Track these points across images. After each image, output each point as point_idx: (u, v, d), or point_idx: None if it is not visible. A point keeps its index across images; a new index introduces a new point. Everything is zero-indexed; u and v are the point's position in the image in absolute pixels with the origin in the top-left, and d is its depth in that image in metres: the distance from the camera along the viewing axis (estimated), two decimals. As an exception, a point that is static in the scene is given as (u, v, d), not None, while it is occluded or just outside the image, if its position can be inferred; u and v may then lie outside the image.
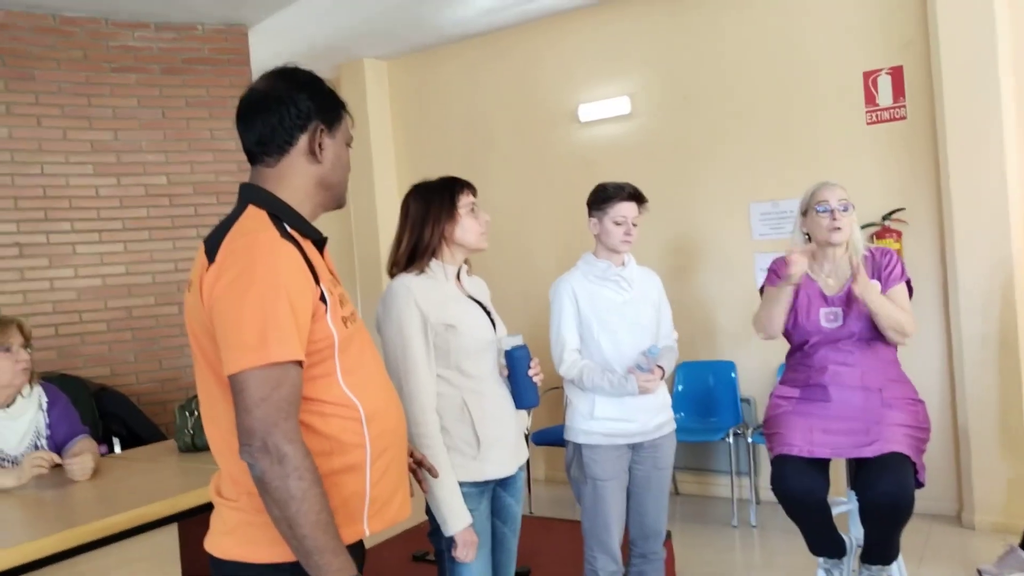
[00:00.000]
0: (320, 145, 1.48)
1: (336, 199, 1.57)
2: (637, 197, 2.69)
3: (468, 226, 2.15)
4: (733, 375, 4.62)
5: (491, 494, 2.17)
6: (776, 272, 2.85)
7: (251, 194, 1.47)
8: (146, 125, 4.52)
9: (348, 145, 1.57)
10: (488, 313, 2.21)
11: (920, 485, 2.57)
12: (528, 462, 4.64)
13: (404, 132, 5.86)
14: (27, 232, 4.20)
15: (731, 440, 4.31)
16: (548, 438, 4.49)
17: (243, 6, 4.46)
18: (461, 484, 2.04)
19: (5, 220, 4.13)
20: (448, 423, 2.07)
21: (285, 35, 4.94)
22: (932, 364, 4.06)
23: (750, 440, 4.36)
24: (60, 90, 4.31)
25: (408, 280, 2.08)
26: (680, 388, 4.72)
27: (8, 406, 2.61)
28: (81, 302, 4.33)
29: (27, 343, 2.65)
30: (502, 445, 2.13)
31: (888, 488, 2.44)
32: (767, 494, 4.57)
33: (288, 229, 1.43)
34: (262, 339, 1.28)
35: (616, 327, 2.67)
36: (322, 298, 1.39)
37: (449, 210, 2.14)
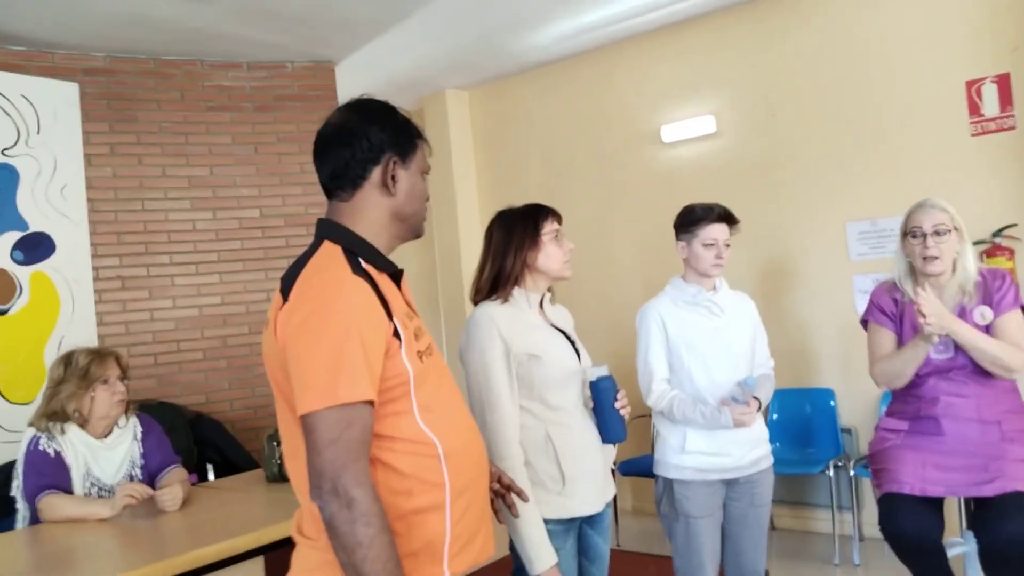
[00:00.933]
0: (394, 177, 1.47)
1: (413, 229, 1.54)
2: (728, 218, 2.59)
3: (551, 253, 2.10)
4: (832, 403, 4.38)
5: (577, 532, 2.09)
6: (879, 306, 2.68)
7: (326, 229, 1.47)
8: (240, 161, 4.68)
9: (425, 174, 1.54)
10: (572, 342, 2.14)
11: (1047, 526, 2.35)
12: (615, 496, 4.56)
13: (486, 160, 5.89)
14: (129, 266, 4.38)
15: (831, 473, 4.08)
16: (635, 468, 4.36)
17: (330, 44, 4.58)
18: (546, 521, 1.96)
19: (109, 255, 4.32)
20: (532, 457, 2.01)
21: (371, 69, 5.04)
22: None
23: (852, 473, 4.12)
24: (160, 129, 4.50)
25: (491, 309, 2.04)
26: (775, 417, 4.51)
27: (105, 436, 2.70)
28: (179, 332, 4.49)
29: (124, 375, 2.73)
30: (588, 481, 2.05)
31: (1014, 532, 2.24)
32: (871, 530, 4.31)
33: (362, 264, 1.41)
34: (332, 380, 1.26)
35: (708, 355, 2.55)
36: (396, 334, 1.36)
37: (533, 237, 2.09)
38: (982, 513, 2.39)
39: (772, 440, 4.38)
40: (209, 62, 4.63)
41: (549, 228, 2.12)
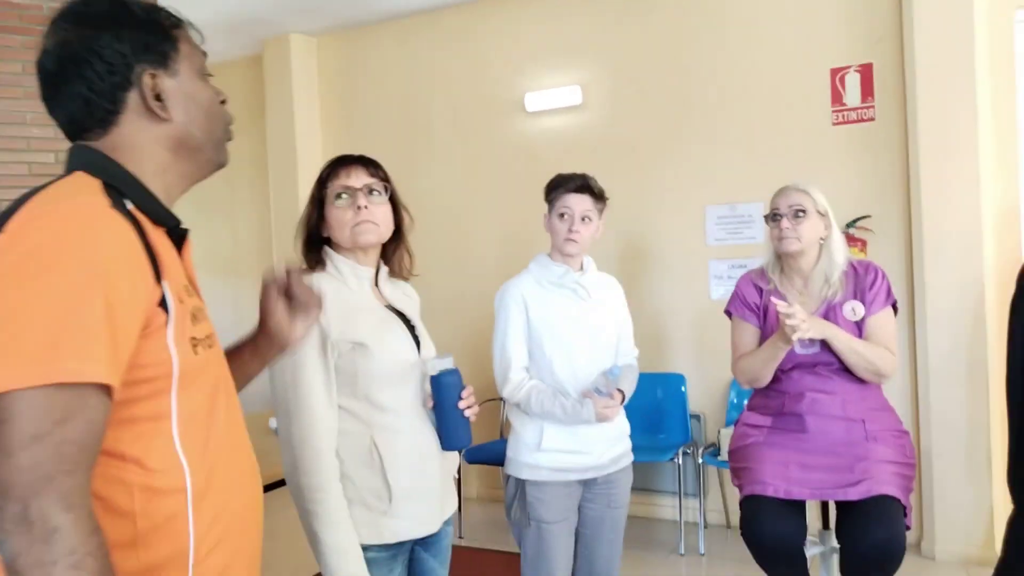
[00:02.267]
0: (159, 96, 1.05)
1: (211, 159, 1.14)
2: (588, 188, 2.31)
3: (335, 219, 1.73)
4: (683, 389, 4.30)
5: (407, 557, 1.74)
6: (743, 298, 2.53)
7: (81, 158, 1.03)
8: (32, 95, 3.87)
9: (203, 73, 1.13)
10: (412, 328, 1.78)
11: (908, 528, 2.27)
12: (460, 489, 4.26)
13: (333, 115, 5.37)
14: None
15: (679, 460, 3.99)
16: (483, 456, 4.08)
17: (150, -36, 3.93)
18: (366, 548, 1.61)
19: None
20: (351, 469, 1.63)
21: (199, 3, 4.40)
22: (896, 383, 3.80)
23: (700, 460, 4.05)
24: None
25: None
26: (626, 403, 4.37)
27: None
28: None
29: None
30: (421, 497, 1.70)
31: (881, 539, 2.13)
32: (715, 517, 4.29)
33: (129, 207, 0.99)
34: (51, 346, 0.85)
35: (572, 343, 2.29)
36: (163, 303, 0.96)
37: (320, 202, 1.74)
38: (846, 517, 2.27)
39: (623, 427, 4.32)
40: (52, 5, 3.87)
41: (333, 187, 1.73)
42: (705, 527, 4.08)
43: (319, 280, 1.68)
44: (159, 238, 1.03)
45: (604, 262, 4.30)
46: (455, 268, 4.83)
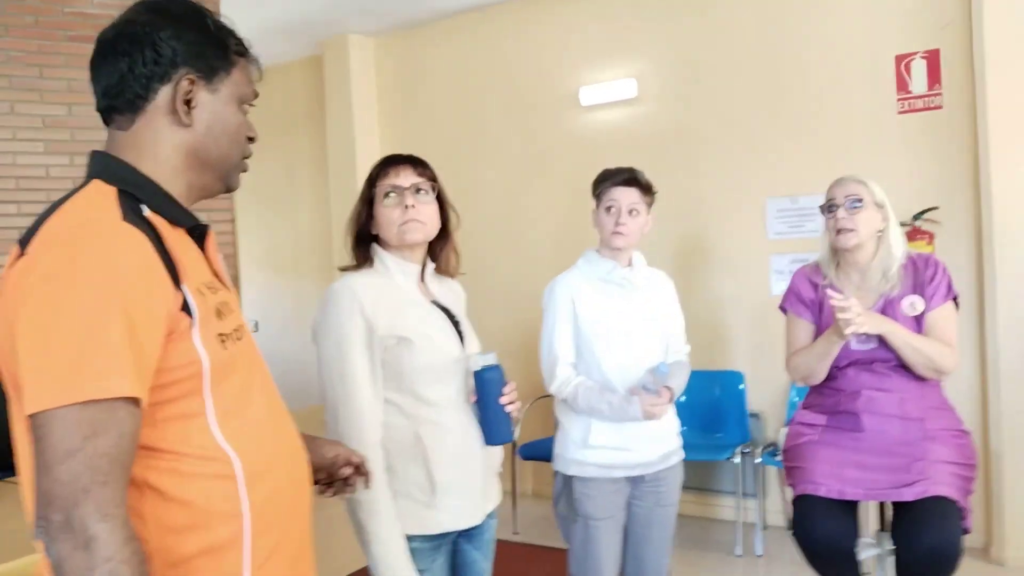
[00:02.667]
0: (189, 102, 1.09)
1: (220, 179, 1.16)
2: (634, 181, 2.29)
3: (383, 218, 1.77)
4: (741, 387, 4.22)
5: (450, 549, 1.77)
6: (798, 294, 2.47)
7: (98, 165, 1.08)
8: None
9: (244, 104, 1.16)
10: (457, 324, 1.80)
11: (966, 531, 2.19)
12: (513, 485, 4.28)
13: (390, 115, 5.45)
14: (-32, 214, 3.81)
15: (738, 460, 3.92)
16: (537, 452, 4.10)
17: (213, -29, 4.05)
18: (411, 538, 1.64)
19: (-56, 200, 3.74)
20: (396, 462, 1.67)
21: (260, 4, 4.53)
22: (964, 381, 3.67)
23: (758, 460, 3.97)
24: (8, 59, 3.90)
25: (353, 281, 1.69)
26: (683, 399, 4.31)
27: None
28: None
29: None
30: (464, 490, 1.73)
31: (934, 541, 2.06)
32: (775, 518, 4.20)
33: (145, 212, 1.04)
34: (74, 367, 0.90)
35: (619, 339, 2.28)
36: (186, 308, 1.00)
37: (370, 200, 1.78)
38: (901, 518, 2.21)
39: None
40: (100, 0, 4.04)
41: (382, 186, 1.77)
42: (764, 528, 4.00)
43: (367, 276, 1.72)
44: (178, 239, 1.07)
45: (661, 257, 4.28)
46: (510, 263, 4.85)
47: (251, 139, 1.19)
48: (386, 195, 1.75)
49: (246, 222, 6.22)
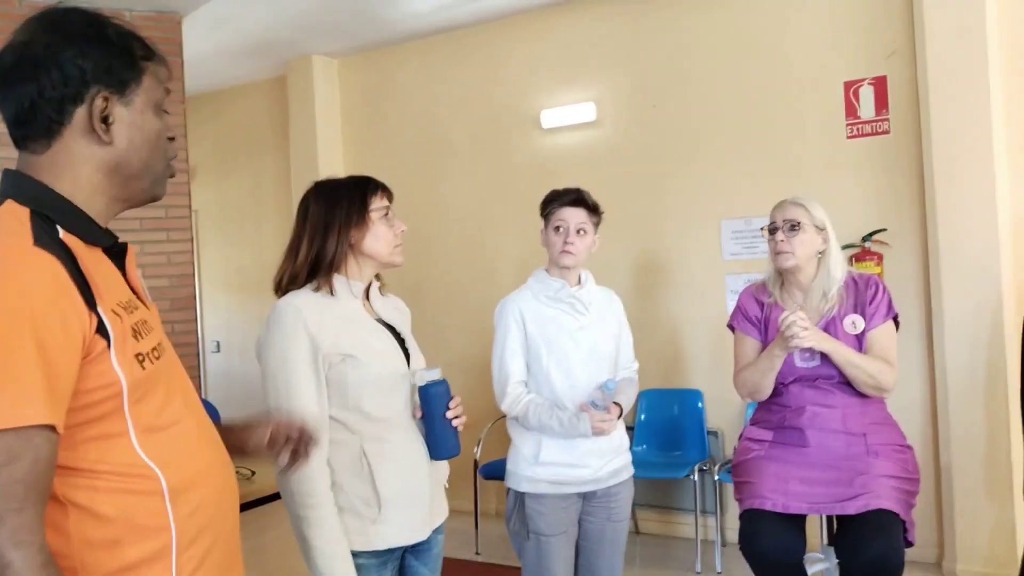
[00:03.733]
0: (106, 119, 1.08)
1: (147, 189, 1.16)
2: (582, 202, 2.34)
3: (381, 234, 1.78)
4: (700, 405, 4.28)
5: (397, 564, 1.78)
6: (744, 311, 2.54)
7: (12, 185, 1.07)
8: None
9: (160, 109, 1.15)
10: (403, 342, 1.83)
11: (909, 544, 2.25)
12: (476, 504, 4.27)
13: (355, 136, 5.48)
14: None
15: (696, 477, 3.96)
16: (499, 471, 4.09)
17: (175, -9, 4.07)
18: (357, 554, 1.66)
19: None
20: (341, 478, 1.69)
21: (223, 24, 4.54)
22: (913, 398, 3.76)
23: (716, 478, 4.02)
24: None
25: (297, 299, 1.71)
26: (643, 418, 4.37)
27: None
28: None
29: None
30: (410, 504, 1.75)
31: (876, 553, 2.11)
32: (734, 535, 4.22)
33: (61, 234, 1.04)
34: None
35: (569, 357, 2.31)
36: (101, 329, 1.00)
37: (360, 214, 1.76)
38: (844, 531, 2.26)
39: (638, 442, 4.31)
40: (29, 2, 4.01)
41: (378, 204, 1.80)
42: (723, 545, 4.03)
43: (311, 295, 1.73)
44: (95, 259, 1.07)
45: (620, 277, 4.35)
46: (474, 282, 4.88)
47: (171, 139, 1.18)
48: (384, 215, 1.80)
49: (209, 241, 6.19)
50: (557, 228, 2.33)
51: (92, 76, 1.07)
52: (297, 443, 1.41)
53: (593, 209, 2.36)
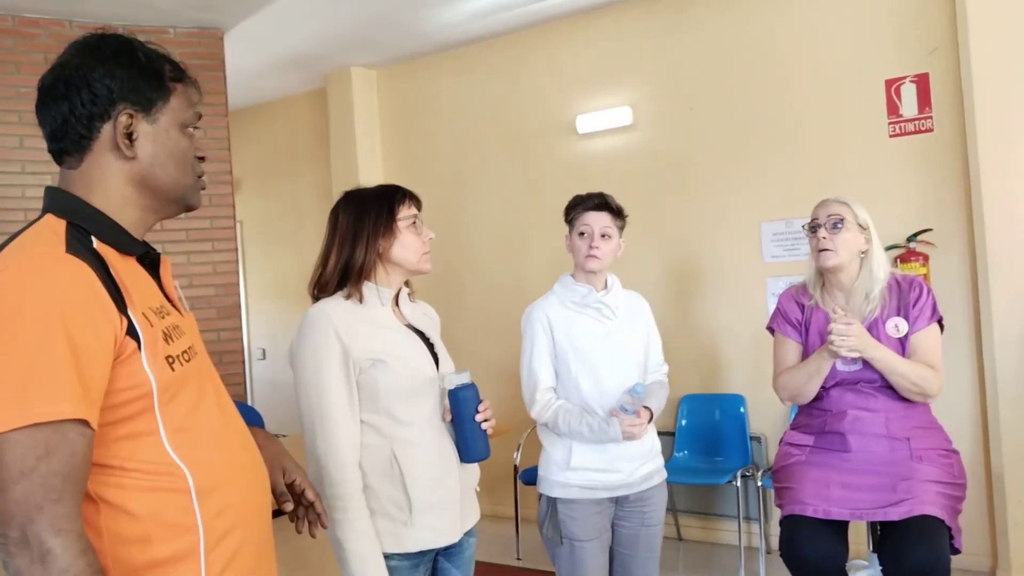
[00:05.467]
0: (130, 136, 1.15)
1: (177, 201, 1.22)
2: (606, 206, 2.34)
3: (408, 243, 1.80)
4: (742, 410, 4.22)
5: (430, 567, 1.80)
6: (784, 314, 2.50)
7: (51, 200, 1.15)
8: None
9: (187, 127, 1.22)
10: (432, 346, 1.85)
11: (956, 551, 2.18)
12: (516, 510, 4.27)
13: (393, 145, 5.54)
14: (-23, 246, 3.90)
15: (738, 483, 3.91)
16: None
17: (218, 8, 4.17)
18: (389, 556, 1.68)
19: (-47, 233, 3.83)
20: (373, 481, 1.71)
21: (264, 39, 4.65)
22: (961, 403, 3.66)
23: (759, 484, 3.96)
24: (19, 95, 4.02)
25: (328, 306, 1.74)
26: (684, 423, 4.33)
27: None
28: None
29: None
30: (441, 507, 1.76)
31: (920, 560, 2.06)
32: (778, 542, 4.17)
33: (95, 243, 1.10)
34: (22, 392, 0.95)
35: (597, 362, 2.31)
36: (131, 332, 1.05)
37: (387, 223, 1.79)
38: (888, 537, 2.21)
39: (680, 448, 4.27)
40: (79, 23, 4.16)
41: (406, 213, 1.83)
42: (767, 552, 3.97)
43: (341, 301, 1.76)
44: (128, 267, 1.14)
45: (658, 281, 4.32)
46: (509, 290, 4.88)
47: (201, 159, 1.25)
48: (411, 223, 1.82)
49: (253, 250, 6.32)
50: (582, 233, 2.33)
51: (119, 95, 1.14)
52: (307, 511, 1.45)
53: (617, 213, 2.35)
